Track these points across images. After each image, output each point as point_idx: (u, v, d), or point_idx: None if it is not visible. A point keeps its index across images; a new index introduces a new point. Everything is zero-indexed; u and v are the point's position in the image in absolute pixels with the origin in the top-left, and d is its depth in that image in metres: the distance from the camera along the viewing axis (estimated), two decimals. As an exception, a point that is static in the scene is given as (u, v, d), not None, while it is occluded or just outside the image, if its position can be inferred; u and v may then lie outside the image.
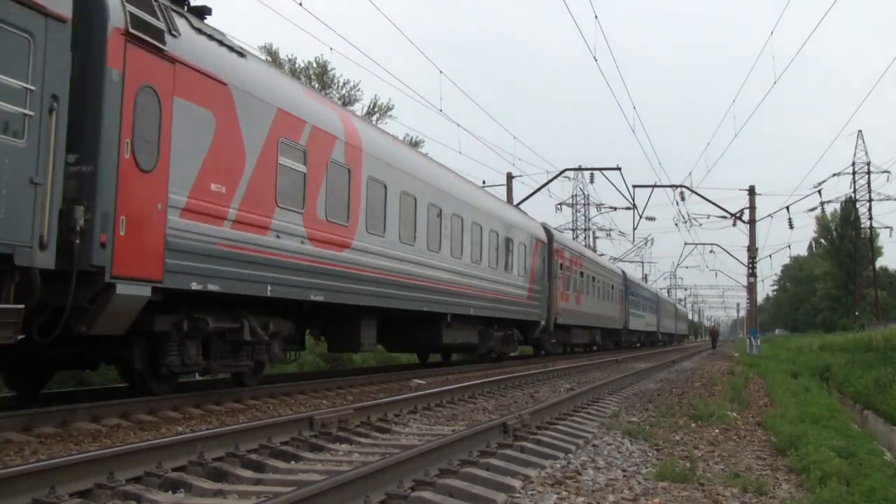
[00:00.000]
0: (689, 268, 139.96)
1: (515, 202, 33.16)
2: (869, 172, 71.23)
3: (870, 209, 73.41)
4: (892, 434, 14.53)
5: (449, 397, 11.16)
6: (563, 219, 62.37)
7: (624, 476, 6.05)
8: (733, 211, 38.57)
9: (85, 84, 7.71)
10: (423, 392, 11.23)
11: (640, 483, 5.82)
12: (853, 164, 71.13)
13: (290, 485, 5.14)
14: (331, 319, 13.33)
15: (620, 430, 8.33)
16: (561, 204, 58.09)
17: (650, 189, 38.16)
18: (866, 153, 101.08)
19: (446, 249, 16.89)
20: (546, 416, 8.78)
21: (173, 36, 8.74)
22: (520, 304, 22.51)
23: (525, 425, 7.78)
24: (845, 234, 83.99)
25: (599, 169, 37.72)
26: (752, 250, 37.94)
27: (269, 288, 10.41)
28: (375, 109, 34.22)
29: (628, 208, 38.21)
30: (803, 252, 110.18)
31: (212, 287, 9.23)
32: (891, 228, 69.29)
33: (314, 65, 32.58)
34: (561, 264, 27.61)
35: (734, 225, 38.52)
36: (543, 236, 26.14)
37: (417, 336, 17.40)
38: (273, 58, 30.99)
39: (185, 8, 9.56)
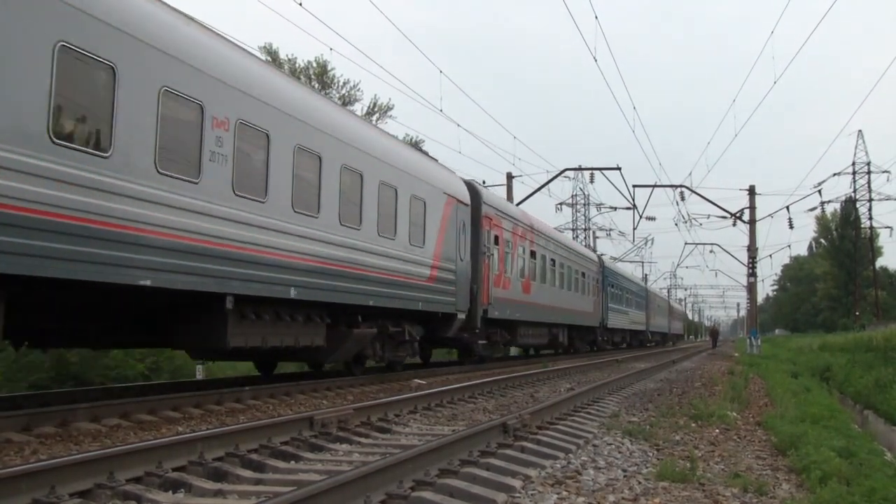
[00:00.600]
0: (689, 268, 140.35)
1: (516, 202, 33.09)
2: (869, 172, 71.42)
3: (870, 209, 73.63)
4: (893, 434, 14.53)
5: (449, 397, 11.16)
6: (564, 218, 62.39)
7: (624, 476, 6.05)
8: (733, 211, 38.59)
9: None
10: (423, 392, 11.23)
11: (640, 483, 5.82)
12: (853, 163, 71.32)
13: (290, 485, 5.14)
14: None
15: (621, 430, 8.33)
16: (561, 204, 58.13)
17: (650, 189, 38.15)
18: (866, 153, 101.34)
19: (241, 188, 10.14)
20: (546, 416, 8.77)
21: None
22: (414, 289, 15.35)
23: (525, 425, 7.78)
24: (845, 234, 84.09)
25: (599, 169, 37.72)
26: (753, 250, 37.93)
27: None
28: (375, 109, 34.25)
29: (628, 208, 38.17)
30: (803, 252, 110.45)
31: None
32: (891, 228, 69.49)
33: (314, 65, 32.63)
34: (496, 237, 20.49)
35: (734, 225, 38.54)
36: (464, 195, 18.21)
37: (174, 333, 10.53)
38: (273, 58, 31.01)
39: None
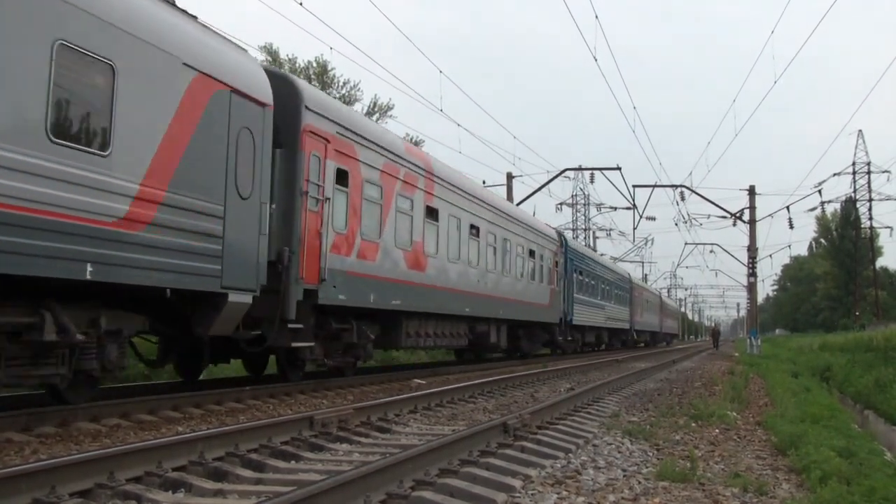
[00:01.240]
0: (689, 268, 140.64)
1: (516, 202, 33.08)
2: (869, 172, 71.47)
3: (870, 209, 73.70)
4: (893, 434, 14.53)
5: (449, 397, 11.16)
6: (564, 218, 62.40)
7: (624, 476, 6.05)
8: (733, 211, 38.66)
9: None
10: (423, 392, 11.23)
11: (640, 483, 5.82)
12: (853, 163, 71.38)
13: (290, 484, 5.14)
14: None
15: (621, 430, 8.33)
16: (561, 204, 58.21)
17: (650, 189, 38.20)
18: (866, 153, 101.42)
19: None
20: (546, 416, 8.78)
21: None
22: (72, 236, 7.42)
23: (525, 425, 7.78)
24: (845, 234, 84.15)
25: (599, 169, 37.78)
26: (753, 250, 37.95)
27: None
28: (375, 109, 34.27)
29: (628, 208, 38.19)
30: (803, 252, 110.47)
31: None
32: (891, 228, 69.60)
33: (314, 64, 32.64)
34: (343, 173, 12.63)
35: (734, 225, 38.60)
36: (254, 86, 10.43)
37: None
38: (273, 57, 31.02)
39: None
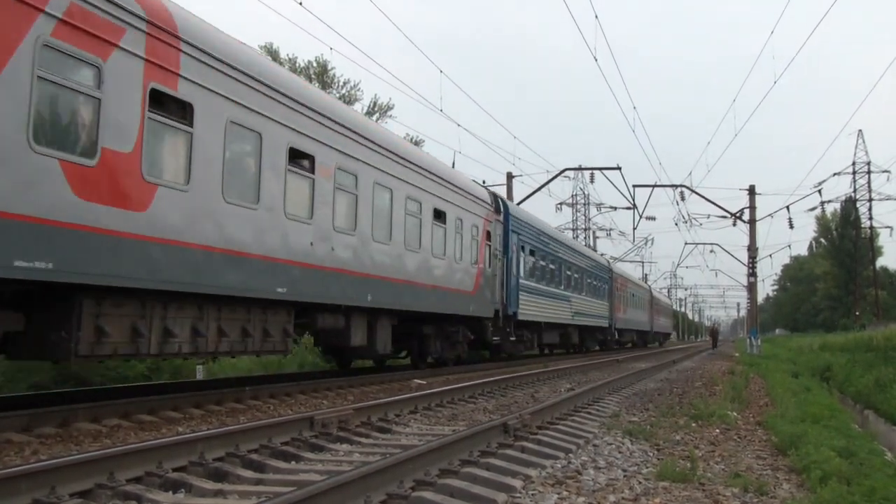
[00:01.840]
0: (689, 268, 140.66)
1: (516, 201, 33.06)
2: (869, 172, 71.52)
3: (870, 209, 73.75)
4: (893, 434, 14.52)
5: (449, 397, 11.16)
6: (564, 218, 62.29)
7: (624, 476, 6.05)
8: (733, 211, 38.62)
9: None
10: (423, 392, 11.23)
11: (640, 483, 5.82)
12: (853, 163, 71.43)
13: (290, 485, 5.14)
14: None
15: (621, 430, 8.33)
16: (561, 204, 58.11)
17: (650, 189, 38.09)
18: (866, 153, 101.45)
19: None
20: (546, 416, 8.78)
21: None
22: None
23: (525, 425, 7.78)
24: (845, 234, 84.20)
25: (599, 168, 37.71)
26: (753, 250, 37.94)
27: None
28: (376, 109, 34.29)
29: (628, 208, 38.09)
30: (803, 252, 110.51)
31: None
32: (891, 228, 69.64)
33: (314, 64, 32.66)
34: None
35: (734, 225, 38.55)
36: None
37: None
38: (273, 57, 31.02)
39: None
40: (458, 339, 18.80)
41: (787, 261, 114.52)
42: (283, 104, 10.89)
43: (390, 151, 14.50)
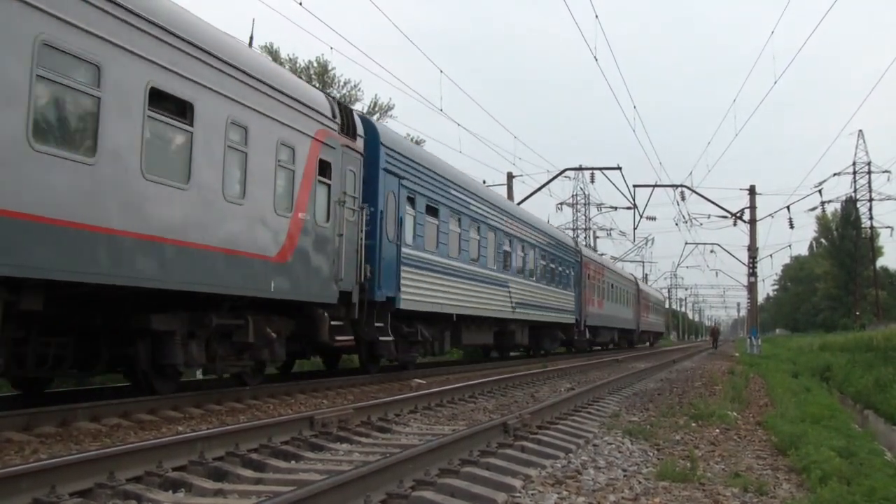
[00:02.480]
0: (689, 267, 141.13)
1: (516, 201, 33.06)
2: (869, 172, 71.51)
3: (870, 209, 73.74)
4: (893, 434, 14.52)
5: (449, 397, 11.16)
6: (564, 218, 62.26)
7: (624, 476, 6.05)
8: (734, 211, 38.65)
9: None
10: (423, 392, 11.23)
11: (640, 483, 5.82)
12: (854, 163, 71.41)
13: (290, 484, 5.13)
14: None
15: (621, 430, 8.33)
16: (561, 204, 58.12)
17: (650, 189, 38.12)
18: (867, 153, 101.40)
19: None
20: (546, 416, 8.78)
21: None
22: None
23: (525, 425, 7.78)
24: (846, 234, 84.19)
25: (600, 168, 37.74)
26: (753, 250, 37.95)
27: None
28: (376, 109, 34.28)
29: (629, 208, 38.13)
30: (804, 252, 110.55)
31: None
32: (891, 228, 69.66)
33: (314, 64, 32.65)
34: None
35: (735, 225, 38.60)
36: None
37: None
38: (273, 57, 31.00)
39: None
40: (249, 338, 10.76)
41: (787, 261, 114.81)
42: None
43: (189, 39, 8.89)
